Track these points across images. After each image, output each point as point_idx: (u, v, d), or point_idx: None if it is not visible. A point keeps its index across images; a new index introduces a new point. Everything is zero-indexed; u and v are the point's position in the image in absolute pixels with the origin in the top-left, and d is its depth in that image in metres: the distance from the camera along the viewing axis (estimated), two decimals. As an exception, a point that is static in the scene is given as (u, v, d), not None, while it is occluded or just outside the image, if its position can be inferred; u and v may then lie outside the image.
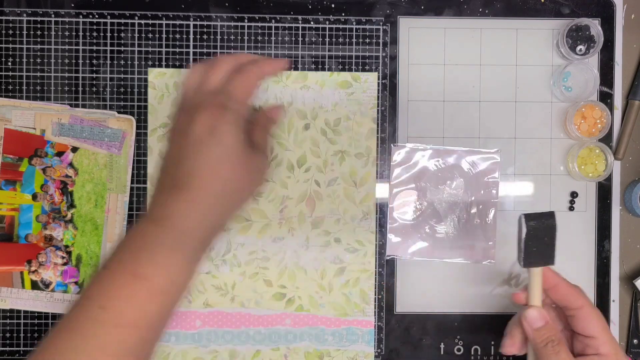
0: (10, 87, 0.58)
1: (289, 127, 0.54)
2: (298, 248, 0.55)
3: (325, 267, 0.55)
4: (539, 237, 0.42)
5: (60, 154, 0.58)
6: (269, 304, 0.56)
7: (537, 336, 0.43)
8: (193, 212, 0.39)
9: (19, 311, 0.58)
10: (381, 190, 0.59)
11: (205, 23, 0.59)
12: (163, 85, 0.51)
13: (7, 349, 0.58)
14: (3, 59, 0.58)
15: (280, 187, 0.54)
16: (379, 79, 0.59)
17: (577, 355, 0.44)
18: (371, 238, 0.56)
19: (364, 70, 0.59)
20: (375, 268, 0.58)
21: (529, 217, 0.42)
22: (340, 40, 0.59)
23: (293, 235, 0.55)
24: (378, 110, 0.59)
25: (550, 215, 0.42)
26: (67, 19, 0.58)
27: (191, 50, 0.59)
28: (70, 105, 0.58)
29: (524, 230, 0.42)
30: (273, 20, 0.59)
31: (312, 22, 0.59)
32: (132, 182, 0.58)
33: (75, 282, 0.58)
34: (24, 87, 0.58)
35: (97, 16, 0.58)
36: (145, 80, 0.58)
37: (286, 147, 0.54)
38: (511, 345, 0.46)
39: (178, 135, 0.42)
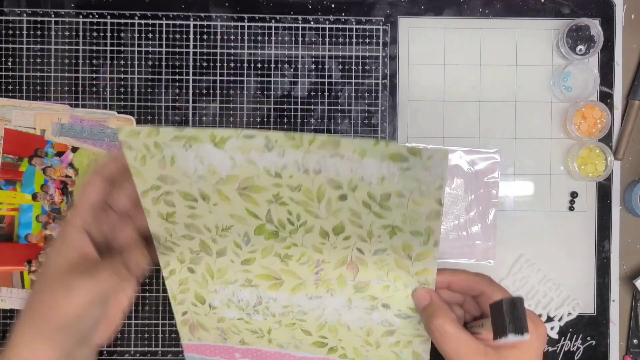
0: (10, 87, 0.58)
1: (318, 195, 0.39)
2: (339, 307, 0.46)
3: (372, 327, 0.47)
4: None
5: (60, 154, 0.58)
6: (309, 349, 0.49)
7: (423, 314, 0.42)
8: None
9: (19, 311, 0.58)
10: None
11: (205, 23, 0.59)
12: (141, 145, 0.38)
13: (7, 349, 0.58)
14: (3, 59, 0.58)
15: (312, 251, 0.43)
16: (379, 79, 0.59)
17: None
18: None
19: (364, 70, 0.59)
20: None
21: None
22: (340, 40, 0.59)
23: (332, 295, 0.46)
24: (379, 110, 0.59)
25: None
26: (67, 19, 0.58)
27: (191, 50, 0.59)
28: (71, 105, 0.58)
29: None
30: (273, 20, 0.59)
31: (312, 22, 0.59)
32: (132, 182, 0.58)
33: (75, 282, 0.58)
34: (24, 87, 0.58)
35: (97, 16, 0.58)
36: (146, 80, 0.58)
37: (316, 215, 0.40)
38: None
39: None
